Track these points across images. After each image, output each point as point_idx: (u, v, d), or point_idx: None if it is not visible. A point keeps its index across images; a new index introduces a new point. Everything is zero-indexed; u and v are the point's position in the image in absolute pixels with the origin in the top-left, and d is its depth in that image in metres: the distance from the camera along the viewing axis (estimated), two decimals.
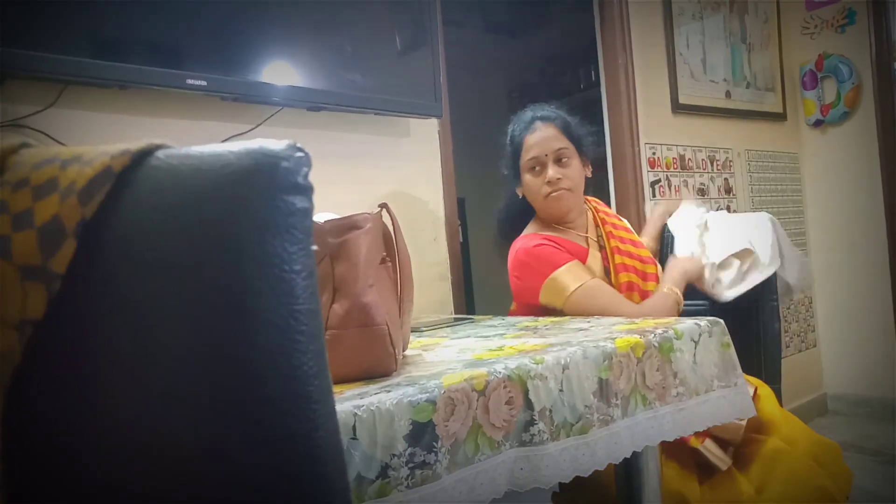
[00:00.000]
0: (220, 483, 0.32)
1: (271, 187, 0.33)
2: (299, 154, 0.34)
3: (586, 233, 1.68)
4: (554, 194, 1.59)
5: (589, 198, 1.77)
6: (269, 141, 0.34)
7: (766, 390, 1.56)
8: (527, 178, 1.63)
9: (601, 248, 1.67)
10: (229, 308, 0.32)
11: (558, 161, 1.59)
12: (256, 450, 0.32)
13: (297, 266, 0.33)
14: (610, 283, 1.59)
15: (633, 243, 1.69)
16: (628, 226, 1.77)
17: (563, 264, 1.53)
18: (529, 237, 1.63)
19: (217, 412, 0.32)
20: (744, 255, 1.80)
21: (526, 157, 1.62)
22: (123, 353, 0.34)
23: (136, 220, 0.34)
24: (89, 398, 0.34)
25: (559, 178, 1.58)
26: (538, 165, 1.61)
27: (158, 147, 0.36)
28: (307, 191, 0.34)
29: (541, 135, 1.61)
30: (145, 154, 0.36)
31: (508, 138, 1.70)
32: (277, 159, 0.33)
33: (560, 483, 1.19)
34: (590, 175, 1.69)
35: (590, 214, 1.73)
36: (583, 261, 1.60)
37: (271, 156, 0.33)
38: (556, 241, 1.60)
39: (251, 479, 0.32)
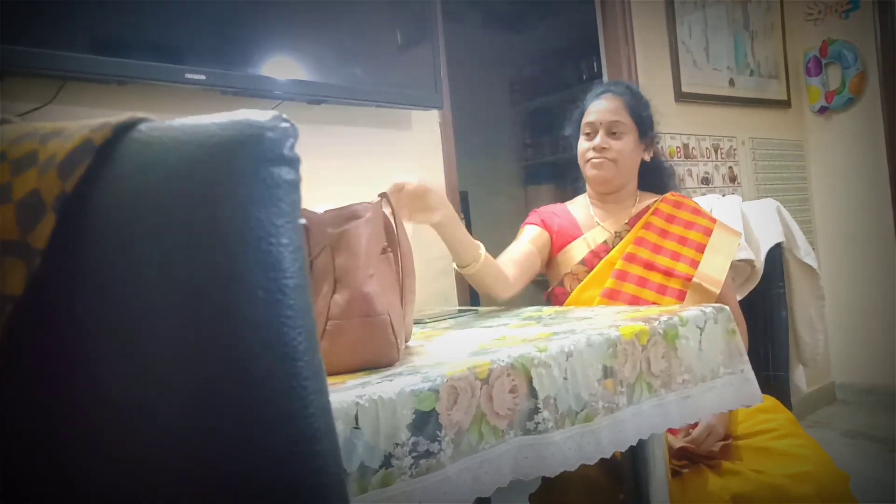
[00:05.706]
0: (208, 460, 0.31)
1: (256, 158, 0.32)
2: (284, 125, 0.33)
3: (626, 221, 1.60)
4: (595, 160, 1.60)
5: (680, 197, 1.65)
6: (254, 112, 0.33)
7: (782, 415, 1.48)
8: (580, 140, 1.65)
9: (618, 242, 1.57)
10: (216, 282, 0.31)
11: (611, 132, 1.60)
12: (246, 426, 0.31)
13: (284, 239, 0.32)
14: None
15: (674, 255, 1.52)
16: (697, 238, 1.55)
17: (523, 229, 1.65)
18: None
19: (205, 388, 0.32)
20: (745, 264, 1.77)
21: (584, 121, 1.64)
22: (106, 329, 0.33)
23: (117, 194, 0.33)
24: (71, 373, 0.33)
25: (605, 148, 1.59)
26: (592, 131, 1.62)
27: (140, 120, 0.36)
28: (293, 162, 0.33)
29: (604, 104, 1.62)
30: (127, 127, 0.35)
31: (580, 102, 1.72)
32: (262, 130, 0.32)
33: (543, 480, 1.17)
34: (647, 159, 1.66)
35: (642, 206, 1.63)
36: (569, 238, 1.62)
37: (256, 126, 0.32)
38: (550, 210, 1.69)
39: (240, 456, 0.31)
